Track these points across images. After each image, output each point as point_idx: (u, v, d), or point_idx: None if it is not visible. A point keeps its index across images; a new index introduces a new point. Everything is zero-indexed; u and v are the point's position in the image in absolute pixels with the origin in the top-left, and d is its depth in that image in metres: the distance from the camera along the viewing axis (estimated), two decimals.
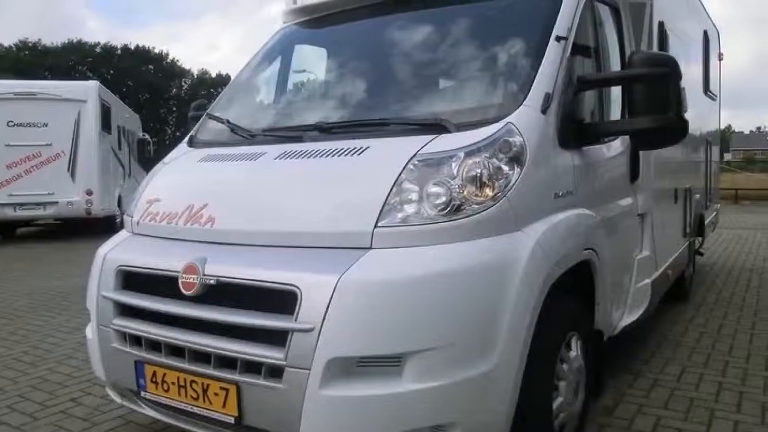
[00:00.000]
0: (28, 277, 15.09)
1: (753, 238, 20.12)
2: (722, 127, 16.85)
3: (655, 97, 5.13)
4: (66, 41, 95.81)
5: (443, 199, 4.20)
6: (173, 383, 4.49)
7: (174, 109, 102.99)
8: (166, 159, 6.07)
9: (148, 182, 5.75)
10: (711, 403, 6.38)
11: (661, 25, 7.60)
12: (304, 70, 7.23)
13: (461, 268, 4.06)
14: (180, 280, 4.38)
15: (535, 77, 4.94)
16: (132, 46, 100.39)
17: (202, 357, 4.32)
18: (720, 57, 14.40)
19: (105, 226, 22.56)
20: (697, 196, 10.91)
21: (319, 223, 4.35)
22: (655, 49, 7.30)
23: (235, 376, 4.13)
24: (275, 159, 4.98)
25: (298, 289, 3.93)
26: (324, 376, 3.81)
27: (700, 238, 11.98)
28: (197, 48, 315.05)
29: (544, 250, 4.45)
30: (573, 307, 5.17)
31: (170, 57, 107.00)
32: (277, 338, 3.97)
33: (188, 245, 4.75)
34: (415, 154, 4.37)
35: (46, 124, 23.10)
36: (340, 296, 3.84)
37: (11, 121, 22.93)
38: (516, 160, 4.47)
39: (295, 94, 7.12)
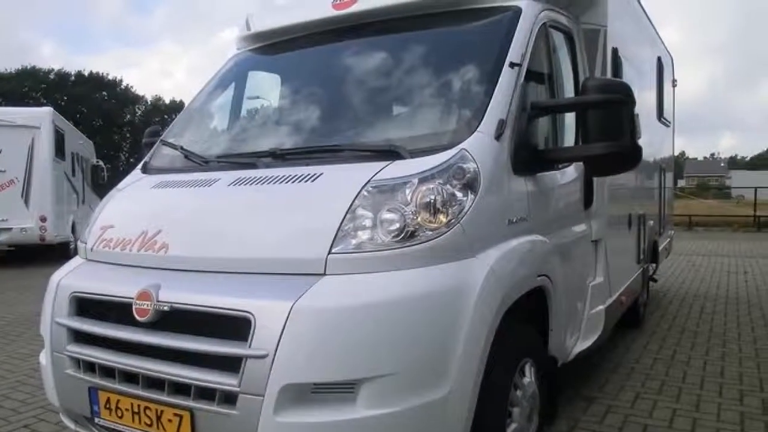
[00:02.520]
0: None
1: (707, 265, 20.31)
2: (676, 153, 17.00)
3: (609, 124, 5.15)
4: (20, 67, 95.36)
5: (397, 225, 4.20)
6: (127, 409, 4.44)
7: (128, 135, 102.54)
8: (120, 185, 6.02)
9: (102, 208, 5.72)
10: (665, 429, 6.42)
11: (614, 51, 7.65)
12: (258, 97, 7.22)
13: (415, 294, 4.06)
14: (134, 307, 4.34)
15: (488, 104, 4.96)
16: (86, 73, 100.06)
17: (156, 383, 4.28)
18: (674, 83, 14.52)
19: (59, 253, 22.36)
20: (651, 222, 10.99)
21: (273, 250, 4.34)
22: (608, 75, 7.35)
23: (189, 403, 4.10)
24: (229, 185, 4.97)
25: (252, 315, 3.91)
26: (278, 402, 3.79)
27: (653, 265, 12.05)
28: (151, 74, 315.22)
29: (497, 276, 4.45)
30: (527, 334, 5.20)
31: (124, 83, 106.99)
32: (230, 364, 3.94)
33: (142, 272, 4.71)
34: (368, 181, 4.37)
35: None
36: (294, 323, 3.82)
37: None
38: (470, 186, 4.48)
39: (249, 121, 7.10)
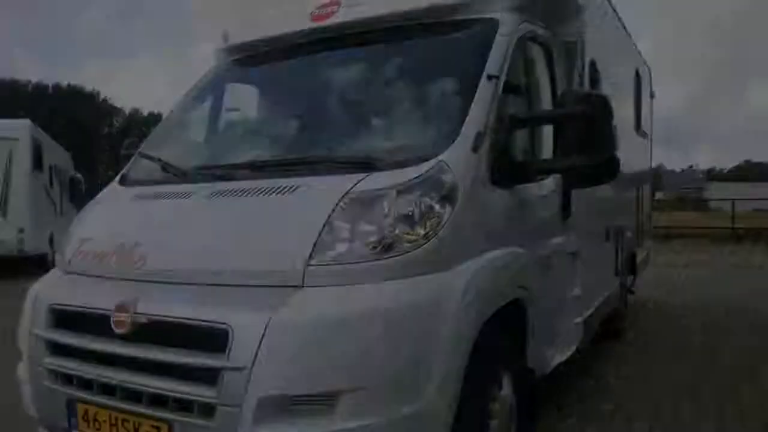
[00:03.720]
0: None
1: (685, 276, 20.31)
2: (654, 165, 17.04)
3: (587, 136, 5.13)
4: None
5: (375, 237, 4.20)
6: (105, 421, 4.43)
7: (106, 147, 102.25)
8: (98, 197, 6.01)
9: (80, 221, 5.71)
10: None
11: (592, 63, 7.67)
12: (236, 109, 7.22)
13: (393, 306, 4.06)
14: (112, 319, 4.32)
15: (466, 116, 4.96)
16: (64, 85, 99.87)
17: (134, 395, 4.26)
18: (652, 95, 14.54)
19: (37, 265, 22.25)
20: (629, 234, 11.00)
21: (251, 262, 4.34)
22: (586, 87, 7.35)
23: (167, 414, 4.09)
24: (207, 197, 4.96)
25: (230, 327, 3.90)
26: (256, 414, 3.79)
27: (632, 277, 12.07)
28: (129, 86, 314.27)
29: (476, 288, 4.46)
30: (505, 345, 5.18)
31: (102, 95, 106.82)
32: (209, 376, 3.94)
33: (120, 284, 4.70)
34: (347, 193, 4.36)
35: None
36: (272, 334, 3.82)
37: None
38: (448, 198, 4.48)
39: (228, 133, 7.09)
